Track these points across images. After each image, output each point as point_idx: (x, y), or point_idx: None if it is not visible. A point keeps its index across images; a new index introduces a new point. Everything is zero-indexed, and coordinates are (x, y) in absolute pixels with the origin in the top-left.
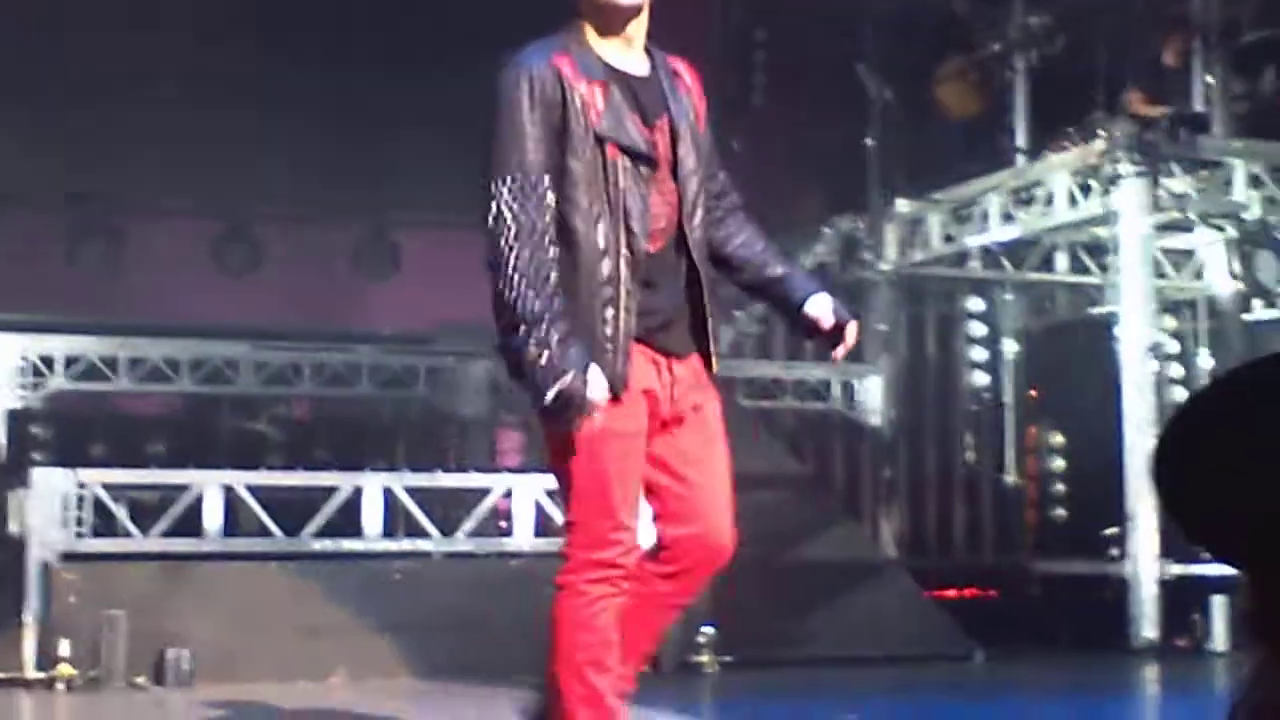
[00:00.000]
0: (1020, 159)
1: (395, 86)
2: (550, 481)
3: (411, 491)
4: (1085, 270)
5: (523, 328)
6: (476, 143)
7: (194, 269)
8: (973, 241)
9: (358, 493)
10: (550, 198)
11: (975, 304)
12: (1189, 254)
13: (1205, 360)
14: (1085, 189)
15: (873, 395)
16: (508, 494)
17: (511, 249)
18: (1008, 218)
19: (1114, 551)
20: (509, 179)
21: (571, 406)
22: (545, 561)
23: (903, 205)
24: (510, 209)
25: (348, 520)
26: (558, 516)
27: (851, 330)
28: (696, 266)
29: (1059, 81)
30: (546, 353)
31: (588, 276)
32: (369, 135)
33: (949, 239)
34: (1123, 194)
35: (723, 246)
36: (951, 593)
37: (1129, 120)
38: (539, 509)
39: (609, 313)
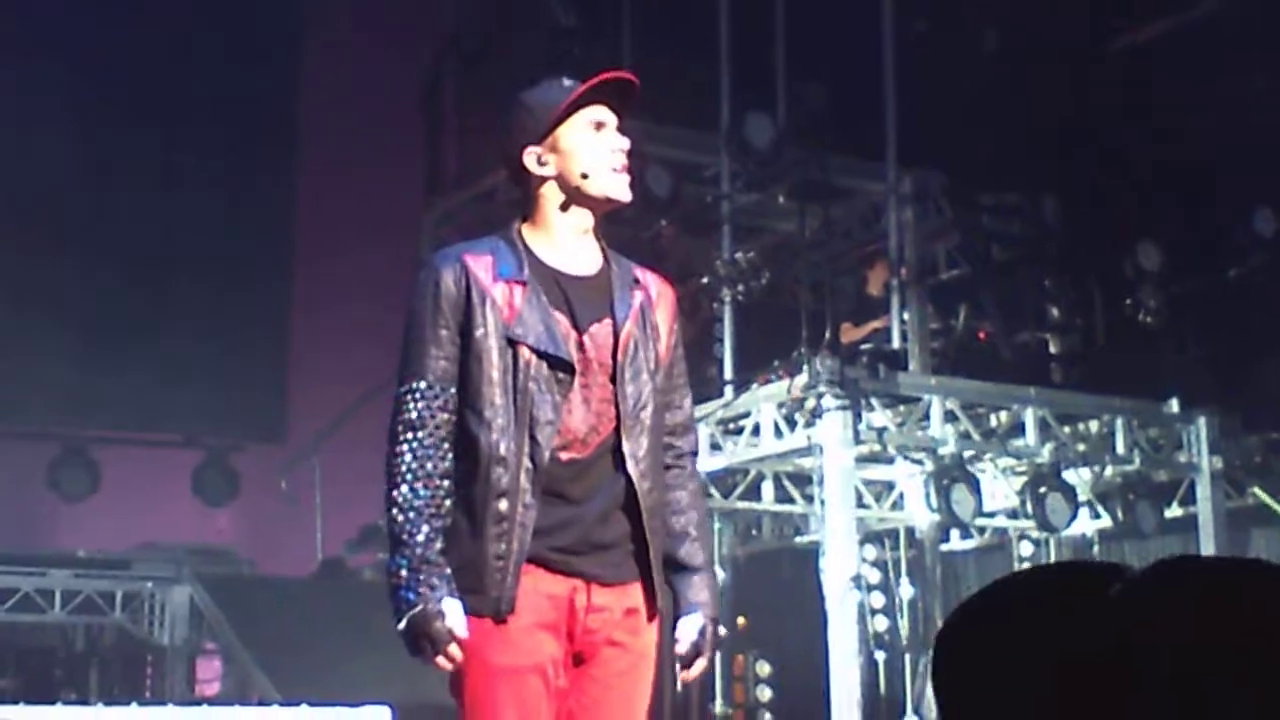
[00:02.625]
0: (728, 390)
1: (102, 293)
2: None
3: None
4: (790, 499)
5: (394, 548)
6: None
7: None
8: None
9: None
10: (451, 406)
11: None
12: (889, 486)
13: (906, 589)
14: (790, 421)
15: None
16: None
17: (398, 462)
18: (716, 447)
19: None
20: (410, 388)
21: (421, 639)
22: None
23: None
24: (404, 420)
25: None
26: None
27: (695, 667)
28: (634, 485)
29: (765, 315)
30: (407, 579)
31: (483, 488)
32: (70, 346)
33: None
34: (826, 427)
35: None
36: None
37: (831, 356)
38: None
39: (501, 528)
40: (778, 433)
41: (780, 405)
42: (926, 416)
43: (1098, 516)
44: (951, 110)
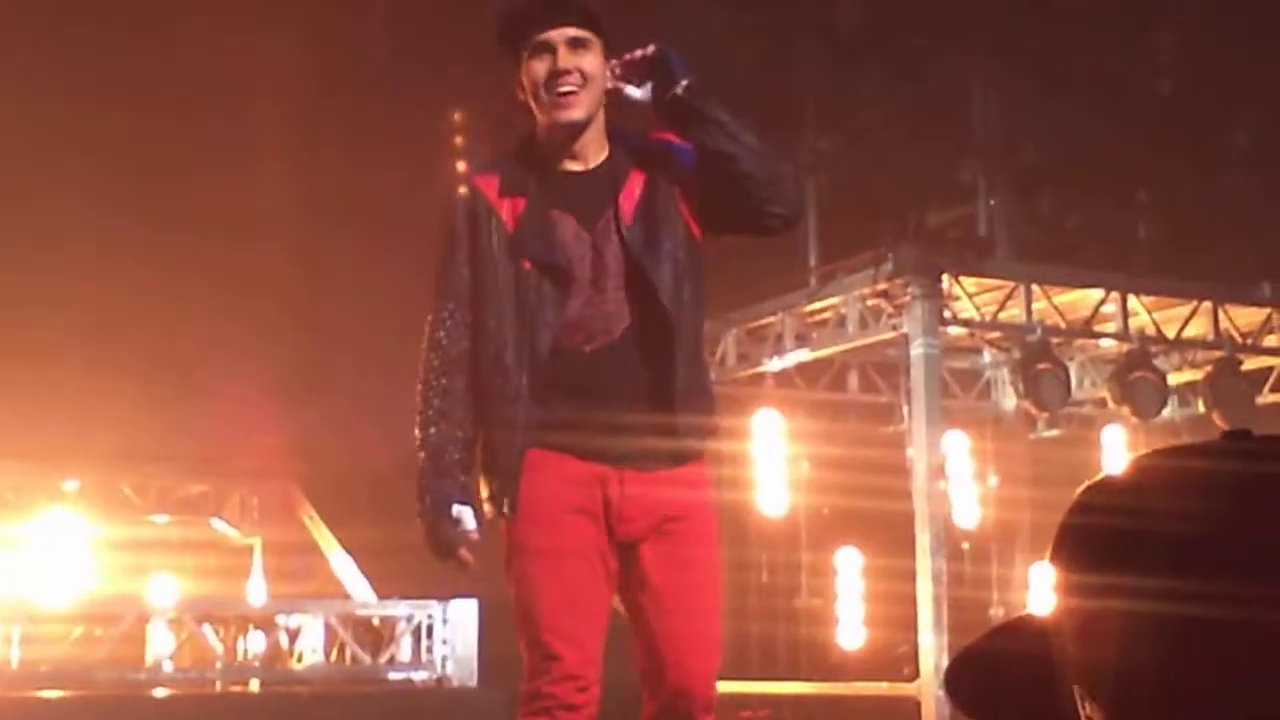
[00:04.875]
0: (812, 280)
1: None
2: None
3: None
4: (876, 390)
5: (419, 460)
6: None
7: None
8: (769, 363)
9: None
10: (467, 321)
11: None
12: (976, 374)
13: (992, 478)
14: (876, 311)
15: None
16: None
17: (426, 377)
18: (801, 338)
19: (906, 671)
20: (437, 310)
21: (433, 545)
22: None
23: None
24: (432, 338)
25: None
26: None
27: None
28: (669, 366)
29: (849, 203)
30: (422, 487)
31: (493, 395)
32: None
33: (744, 358)
34: (911, 316)
35: None
36: None
37: (917, 244)
38: None
39: (508, 433)
40: (863, 323)
41: (865, 295)
42: (1014, 303)
43: (1187, 404)
44: None
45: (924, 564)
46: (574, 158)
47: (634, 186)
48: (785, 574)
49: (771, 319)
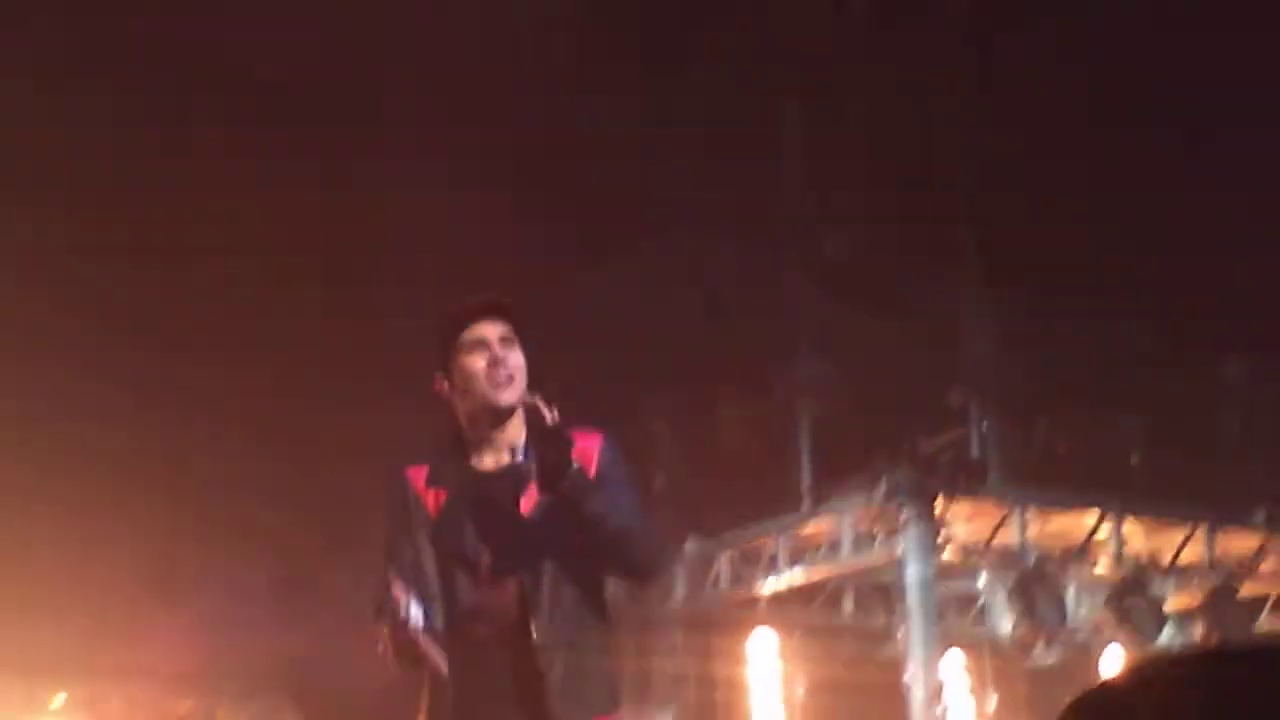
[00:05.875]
0: (805, 503)
1: None
2: None
3: None
4: (871, 612)
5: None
6: None
7: None
8: (762, 585)
9: None
10: (412, 590)
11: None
12: (972, 598)
13: (990, 702)
14: (870, 534)
15: None
16: None
17: (384, 642)
18: (795, 561)
19: None
20: (385, 579)
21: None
22: None
23: (691, 545)
24: (383, 610)
25: None
26: None
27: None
28: (541, 666)
29: (842, 425)
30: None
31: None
32: None
33: (738, 579)
34: (905, 539)
35: None
36: None
37: (910, 467)
38: None
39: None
40: (857, 546)
41: (859, 518)
42: (1008, 527)
43: (1186, 628)
44: (1035, 219)
45: None
46: (491, 450)
47: (538, 494)
48: None
49: (765, 540)
